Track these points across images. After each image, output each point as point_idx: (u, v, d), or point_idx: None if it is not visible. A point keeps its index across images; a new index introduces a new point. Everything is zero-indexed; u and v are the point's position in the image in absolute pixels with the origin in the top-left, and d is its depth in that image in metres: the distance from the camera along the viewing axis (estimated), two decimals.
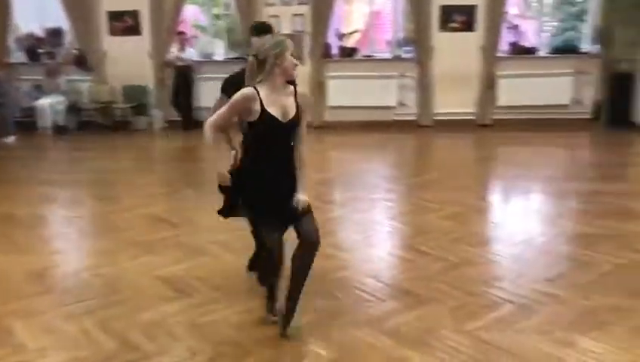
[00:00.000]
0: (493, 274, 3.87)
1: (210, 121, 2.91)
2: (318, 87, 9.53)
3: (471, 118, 9.53)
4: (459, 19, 9.32)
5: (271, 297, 3.25)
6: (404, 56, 9.68)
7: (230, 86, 3.29)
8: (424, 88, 9.46)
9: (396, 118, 9.65)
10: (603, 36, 9.10)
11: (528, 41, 9.80)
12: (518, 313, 3.29)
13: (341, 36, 10.08)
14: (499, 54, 9.38)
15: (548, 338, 3.01)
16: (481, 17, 9.26)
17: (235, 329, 3.20)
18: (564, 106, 9.36)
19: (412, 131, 9.28)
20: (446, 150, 8.36)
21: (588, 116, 9.40)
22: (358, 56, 9.87)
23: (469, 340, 3.02)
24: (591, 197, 5.61)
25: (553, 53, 9.55)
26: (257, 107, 2.82)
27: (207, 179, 6.88)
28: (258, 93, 2.84)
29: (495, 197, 6.24)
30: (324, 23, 9.44)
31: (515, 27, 9.93)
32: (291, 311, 3.08)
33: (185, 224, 4.98)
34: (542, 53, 9.62)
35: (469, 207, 5.36)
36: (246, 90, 2.86)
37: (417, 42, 9.41)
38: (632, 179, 6.35)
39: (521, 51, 9.54)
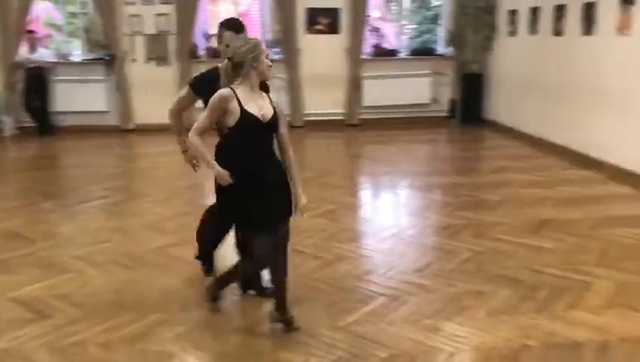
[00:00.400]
0: (365, 269, 3.99)
1: (193, 130, 2.88)
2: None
3: (340, 118, 9.82)
4: (324, 22, 9.55)
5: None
6: (272, 57, 9.72)
7: (201, 84, 3.31)
8: (293, 89, 9.57)
9: None
10: (455, 39, 9.79)
11: (389, 44, 10.28)
12: (389, 305, 3.43)
13: (208, 37, 9.89)
14: (363, 56, 9.72)
15: (417, 327, 3.16)
16: (344, 20, 9.56)
17: (102, 348, 2.99)
18: (425, 105, 9.95)
19: None
20: (318, 150, 8.52)
21: (445, 114, 10.08)
22: None
23: (344, 335, 3.08)
24: (451, 189, 6.00)
25: (412, 55, 10.10)
26: (236, 106, 2.83)
27: (69, 188, 6.58)
28: (235, 93, 2.85)
29: (365, 194, 6.47)
30: (189, 23, 9.21)
31: (377, 30, 10.37)
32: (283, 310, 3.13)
33: (43, 239, 4.59)
34: (402, 55, 10.14)
35: (342, 204, 5.50)
36: (223, 91, 2.86)
37: (284, 44, 9.50)
38: (484, 172, 6.89)
39: (383, 53, 9.98)
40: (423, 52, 10.15)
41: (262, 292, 3.48)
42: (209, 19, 9.84)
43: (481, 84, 9.92)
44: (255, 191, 2.92)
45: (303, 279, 3.75)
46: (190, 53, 9.30)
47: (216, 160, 2.93)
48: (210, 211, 3.68)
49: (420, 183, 6.36)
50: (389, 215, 5.49)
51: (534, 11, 8.15)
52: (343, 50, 9.57)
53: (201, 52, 9.57)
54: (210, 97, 2.90)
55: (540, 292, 3.55)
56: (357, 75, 9.66)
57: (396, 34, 10.42)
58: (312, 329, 3.14)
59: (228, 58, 2.92)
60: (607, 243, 4.36)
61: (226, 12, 10.58)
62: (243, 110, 2.84)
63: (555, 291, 3.57)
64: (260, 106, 2.91)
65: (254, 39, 2.97)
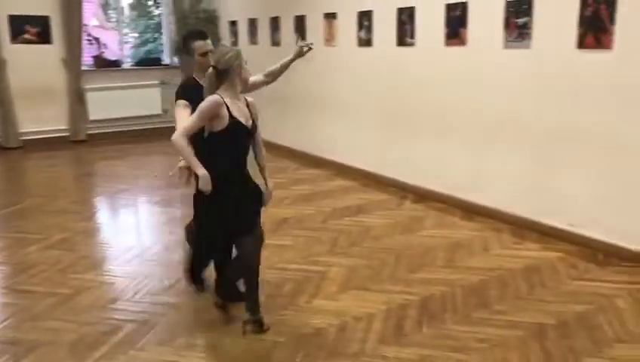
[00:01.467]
0: (110, 297, 3.73)
1: (178, 132, 2.92)
2: None
3: (65, 134, 9.03)
4: (32, 31, 8.62)
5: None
6: None
7: (189, 93, 3.22)
8: (2, 105, 8.46)
9: None
10: (179, 48, 9.77)
11: (112, 54, 9.80)
12: (139, 330, 3.26)
13: None
14: (83, 67, 9.09)
15: (171, 348, 3.08)
16: (57, 29, 8.78)
17: None
18: (157, 116, 9.73)
19: None
20: (41, 172, 7.67)
21: None
22: None
23: None
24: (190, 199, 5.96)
25: (138, 65, 9.79)
26: (225, 113, 2.92)
27: None
28: (223, 99, 2.92)
29: (102, 216, 6.04)
30: None
31: (97, 40, 9.79)
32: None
33: None
34: (127, 65, 9.76)
35: (76, 230, 5.05)
36: (214, 97, 2.92)
37: None
38: None
39: (106, 64, 9.47)
40: (149, 62, 9.92)
41: (239, 297, 3.31)
42: None
43: None
44: (237, 192, 3.06)
45: (36, 322, 3.35)
46: None
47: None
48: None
49: (160, 197, 6.19)
50: (130, 235, 5.22)
51: (253, 22, 8.61)
52: (60, 61, 8.81)
53: None
54: (195, 105, 2.94)
55: (285, 289, 3.78)
56: (79, 88, 8.97)
57: (119, 43, 9.97)
58: None
59: (212, 66, 2.96)
60: (338, 232, 4.83)
61: None
62: (231, 116, 2.94)
63: (298, 285, 3.83)
64: (242, 112, 3.04)
65: (235, 47, 3.06)
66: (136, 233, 5.30)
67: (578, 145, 4.35)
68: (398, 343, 3.10)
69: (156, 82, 9.63)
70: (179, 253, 4.50)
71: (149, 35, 11.20)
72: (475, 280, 3.87)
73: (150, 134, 9.39)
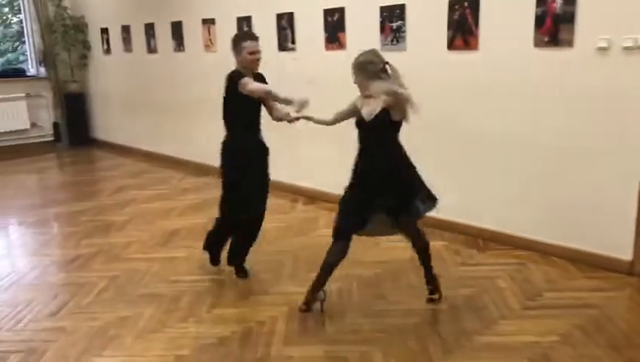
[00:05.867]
0: None
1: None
2: None
3: None
4: None
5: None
6: None
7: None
8: None
9: None
10: (47, 58, 9.16)
11: None
12: (27, 359, 3.02)
13: None
14: None
15: None
16: None
17: None
18: (25, 131, 9.08)
19: None
20: None
21: (50, 138, 9.38)
22: None
23: None
24: (72, 218, 5.63)
25: (0, 77, 9.03)
26: None
27: None
28: None
29: None
30: None
31: None
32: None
33: None
34: None
35: None
36: None
37: None
38: (106, 194, 6.66)
39: None
40: (11, 73, 9.18)
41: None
42: None
43: (85, 103, 9.59)
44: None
45: None
46: None
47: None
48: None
49: (34, 218, 5.74)
50: (3, 261, 4.78)
51: (126, 29, 8.28)
52: None
53: None
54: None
55: (183, 301, 3.67)
56: None
57: None
58: None
59: None
60: None
61: None
62: None
63: (196, 296, 3.74)
64: None
65: None
66: (10, 258, 4.86)
67: (452, 138, 4.66)
68: (303, 342, 3.14)
69: (22, 95, 8.95)
70: (60, 276, 4.23)
71: (9, 45, 10.37)
72: (370, 273, 4.01)
73: (18, 150, 8.75)
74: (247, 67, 3.66)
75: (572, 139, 3.97)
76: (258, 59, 3.66)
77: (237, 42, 3.70)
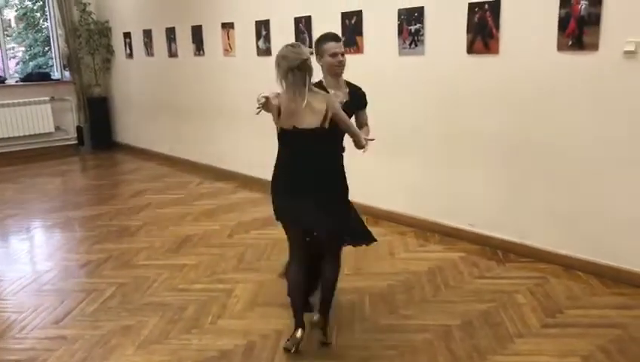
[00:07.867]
0: None
1: None
2: None
3: None
4: None
5: None
6: None
7: None
8: None
9: None
10: (71, 63, 9.25)
11: None
12: None
13: None
14: None
15: None
16: None
17: None
18: (49, 134, 9.18)
19: None
20: None
21: (73, 142, 9.47)
22: None
23: None
24: (89, 222, 5.62)
25: (26, 81, 9.15)
26: None
27: None
28: None
29: None
30: None
31: None
32: None
33: None
34: (13, 81, 9.10)
35: None
36: None
37: None
38: (124, 198, 6.66)
39: None
40: (38, 77, 9.29)
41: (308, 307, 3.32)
42: None
43: (108, 107, 9.66)
44: None
45: None
46: None
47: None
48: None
49: (52, 221, 5.76)
50: (21, 264, 4.75)
51: (148, 33, 8.30)
52: None
53: None
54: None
55: (188, 311, 3.58)
56: None
57: (2, 58, 9.27)
58: None
59: None
60: (244, 247, 4.69)
61: None
62: None
63: (201, 306, 3.65)
64: None
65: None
66: (28, 261, 4.85)
67: (474, 147, 4.49)
68: (308, 358, 3.01)
69: (46, 98, 9.06)
70: (71, 281, 4.20)
71: (38, 49, 10.52)
72: (383, 285, 3.86)
73: (41, 154, 8.84)
74: (331, 72, 3.26)
75: (598, 148, 3.77)
76: (341, 62, 3.22)
77: (318, 46, 3.32)
